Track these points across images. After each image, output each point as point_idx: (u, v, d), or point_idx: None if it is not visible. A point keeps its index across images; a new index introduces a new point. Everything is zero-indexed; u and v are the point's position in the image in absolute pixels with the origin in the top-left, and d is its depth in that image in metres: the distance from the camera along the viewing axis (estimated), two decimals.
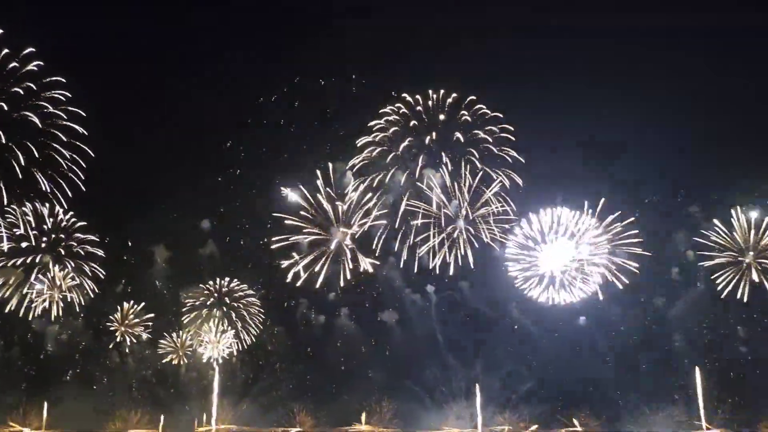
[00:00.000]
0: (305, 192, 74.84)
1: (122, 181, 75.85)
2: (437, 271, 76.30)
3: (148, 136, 79.20)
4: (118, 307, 75.87)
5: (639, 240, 73.94)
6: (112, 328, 75.84)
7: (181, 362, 77.06)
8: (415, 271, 76.98)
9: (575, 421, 73.32)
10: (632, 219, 73.91)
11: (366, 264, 76.23)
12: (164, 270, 77.69)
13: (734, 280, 74.42)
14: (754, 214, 74.66)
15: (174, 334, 77.12)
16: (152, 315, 76.75)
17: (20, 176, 66.59)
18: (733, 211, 74.95)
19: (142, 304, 76.43)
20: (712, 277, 74.88)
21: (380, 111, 77.25)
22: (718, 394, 71.74)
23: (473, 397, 73.52)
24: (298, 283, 74.69)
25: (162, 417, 73.46)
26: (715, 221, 75.55)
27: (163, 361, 77.01)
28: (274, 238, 74.23)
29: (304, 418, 73.19)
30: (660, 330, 77.46)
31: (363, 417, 73.97)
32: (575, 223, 75.05)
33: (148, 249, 77.19)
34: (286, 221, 74.48)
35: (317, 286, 75.19)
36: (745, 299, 73.71)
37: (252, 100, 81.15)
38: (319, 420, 73.83)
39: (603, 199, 73.88)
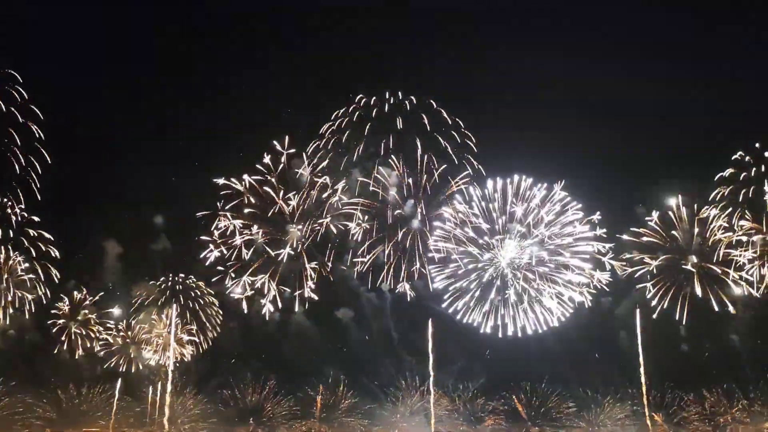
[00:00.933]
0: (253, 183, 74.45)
1: (73, 175, 74.64)
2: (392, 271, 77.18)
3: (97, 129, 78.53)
4: (66, 299, 74.21)
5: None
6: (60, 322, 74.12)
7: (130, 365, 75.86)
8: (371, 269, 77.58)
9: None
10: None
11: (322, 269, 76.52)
12: (116, 266, 76.19)
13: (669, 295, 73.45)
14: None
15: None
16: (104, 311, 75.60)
17: None
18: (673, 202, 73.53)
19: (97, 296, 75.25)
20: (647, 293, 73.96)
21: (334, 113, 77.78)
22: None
23: (427, 393, 74.57)
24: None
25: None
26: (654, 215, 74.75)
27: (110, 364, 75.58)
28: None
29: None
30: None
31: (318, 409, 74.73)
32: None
33: (99, 244, 75.58)
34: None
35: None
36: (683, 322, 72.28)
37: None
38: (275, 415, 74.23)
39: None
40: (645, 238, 75.19)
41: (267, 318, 76.33)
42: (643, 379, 72.60)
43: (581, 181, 76.91)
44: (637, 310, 74.34)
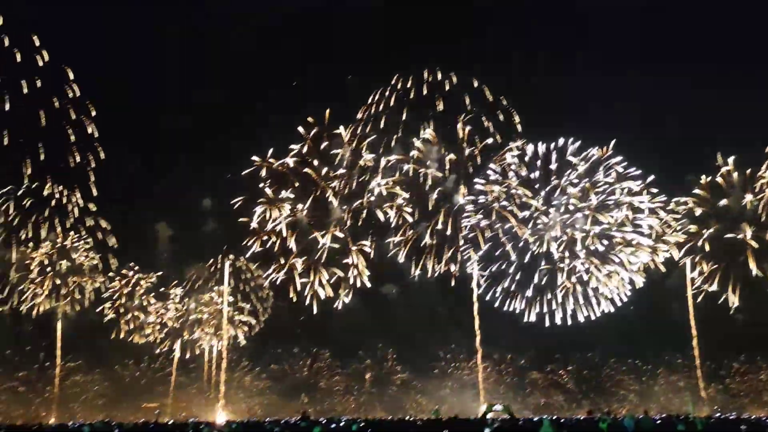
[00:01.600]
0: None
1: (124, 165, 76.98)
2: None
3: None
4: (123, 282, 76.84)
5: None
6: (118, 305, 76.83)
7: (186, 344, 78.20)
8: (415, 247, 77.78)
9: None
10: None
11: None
12: (169, 248, 78.47)
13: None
14: None
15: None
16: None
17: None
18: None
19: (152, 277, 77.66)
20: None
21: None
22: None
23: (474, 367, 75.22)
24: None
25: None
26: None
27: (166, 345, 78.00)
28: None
29: None
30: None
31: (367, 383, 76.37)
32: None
33: (152, 229, 77.90)
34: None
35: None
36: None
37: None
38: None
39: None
40: (693, 206, 72.37)
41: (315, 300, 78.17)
42: (696, 351, 71.36)
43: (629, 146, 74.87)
44: (689, 279, 72.33)
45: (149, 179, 78.41)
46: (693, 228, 72.08)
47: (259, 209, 73.65)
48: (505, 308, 73.41)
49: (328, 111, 74.99)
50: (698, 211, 72.42)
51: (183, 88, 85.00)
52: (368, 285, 75.14)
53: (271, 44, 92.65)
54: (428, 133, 76.56)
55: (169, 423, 47.04)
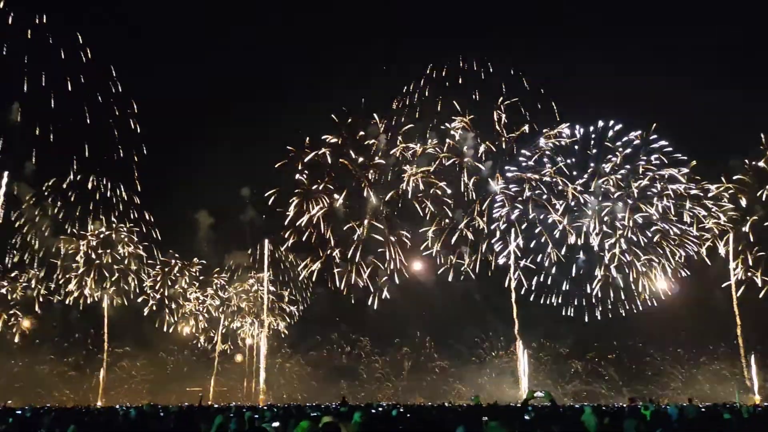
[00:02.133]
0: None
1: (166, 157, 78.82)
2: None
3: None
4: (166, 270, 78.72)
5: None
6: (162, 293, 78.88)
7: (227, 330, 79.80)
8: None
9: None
10: None
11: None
12: (209, 236, 79.99)
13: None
14: None
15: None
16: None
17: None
18: None
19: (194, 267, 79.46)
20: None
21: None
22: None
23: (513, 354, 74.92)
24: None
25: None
26: None
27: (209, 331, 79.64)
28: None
29: None
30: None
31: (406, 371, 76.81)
32: None
33: (193, 217, 79.52)
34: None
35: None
36: None
37: None
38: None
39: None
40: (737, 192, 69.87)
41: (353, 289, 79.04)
42: (740, 340, 69.65)
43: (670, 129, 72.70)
44: (731, 267, 70.55)
45: (187, 170, 79.81)
46: (735, 215, 70.13)
47: (295, 200, 74.84)
48: (542, 301, 73.58)
49: (362, 100, 75.59)
50: (742, 198, 70.26)
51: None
52: (406, 275, 75.69)
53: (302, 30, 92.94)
54: (463, 121, 75.99)
55: (213, 406, 48.23)
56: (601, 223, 73.17)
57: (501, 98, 74.60)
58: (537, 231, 73.70)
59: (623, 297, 74.40)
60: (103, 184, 74.10)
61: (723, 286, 70.15)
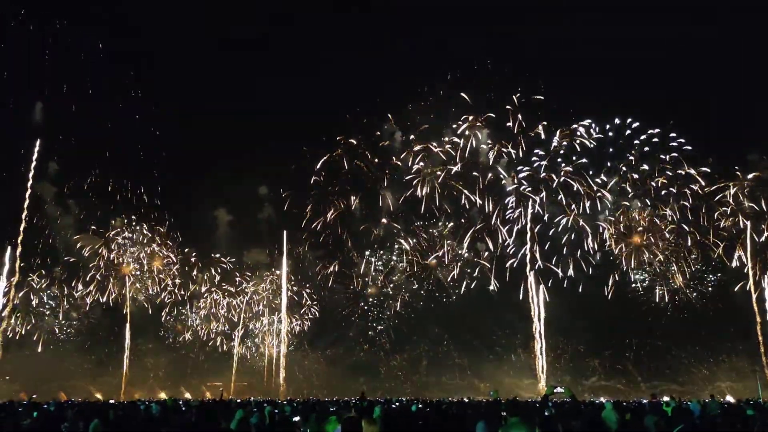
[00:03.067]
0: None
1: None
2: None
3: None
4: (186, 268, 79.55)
5: None
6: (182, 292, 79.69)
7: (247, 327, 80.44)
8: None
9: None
10: None
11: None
12: (228, 233, 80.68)
13: None
14: None
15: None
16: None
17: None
18: None
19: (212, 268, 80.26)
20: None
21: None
22: None
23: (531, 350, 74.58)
24: None
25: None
26: None
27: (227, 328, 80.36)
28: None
29: None
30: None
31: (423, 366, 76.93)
32: None
33: (212, 215, 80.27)
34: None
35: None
36: None
37: None
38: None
39: None
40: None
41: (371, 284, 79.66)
42: (759, 336, 68.70)
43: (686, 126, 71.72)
44: (749, 263, 69.69)
45: (204, 168, 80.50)
46: (750, 211, 69.34)
47: (312, 201, 75.67)
48: (559, 299, 73.44)
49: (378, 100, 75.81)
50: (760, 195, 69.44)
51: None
52: (421, 274, 76.13)
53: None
54: (478, 120, 75.75)
55: (233, 401, 48.76)
56: (618, 223, 72.68)
57: (517, 95, 74.08)
58: (552, 231, 73.77)
59: (642, 294, 74.21)
60: (124, 185, 75.26)
61: (740, 284, 69.51)
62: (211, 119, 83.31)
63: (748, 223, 68.89)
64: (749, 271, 69.44)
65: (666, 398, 35.39)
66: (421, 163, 76.43)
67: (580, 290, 73.52)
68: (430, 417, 18.70)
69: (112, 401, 50.22)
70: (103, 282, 75.61)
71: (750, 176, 69.33)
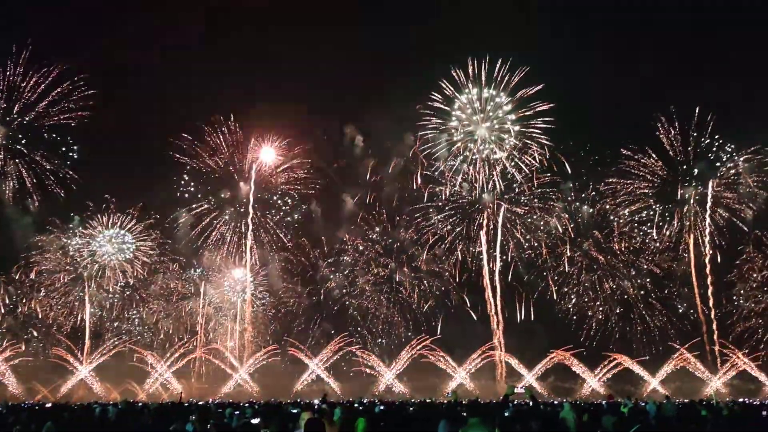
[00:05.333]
0: None
1: None
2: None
3: None
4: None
5: None
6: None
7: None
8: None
9: None
10: None
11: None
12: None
13: None
14: None
15: None
16: None
17: None
18: None
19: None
20: None
21: None
22: None
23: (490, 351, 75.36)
24: None
25: None
26: None
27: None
28: None
29: None
30: None
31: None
32: None
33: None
34: None
35: None
36: None
37: None
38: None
39: None
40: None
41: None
42: (706, 338, 71.65)
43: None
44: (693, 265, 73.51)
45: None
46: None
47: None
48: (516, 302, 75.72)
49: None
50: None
51: None
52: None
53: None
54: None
55: (193, 402, 47.93)
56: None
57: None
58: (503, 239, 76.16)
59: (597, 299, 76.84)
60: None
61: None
62: None
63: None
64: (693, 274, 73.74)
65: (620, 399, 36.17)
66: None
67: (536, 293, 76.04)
68: (392, 418, 18.67)
69: (66, 404, 48.89)
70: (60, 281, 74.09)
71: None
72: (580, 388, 74.17)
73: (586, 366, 74.18)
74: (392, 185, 78.84)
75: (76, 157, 74.01)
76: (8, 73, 69.84)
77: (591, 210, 77.20)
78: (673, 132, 72.98)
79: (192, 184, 77.60)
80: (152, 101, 78.80)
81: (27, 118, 71.58)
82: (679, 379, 72.96)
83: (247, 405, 35.51)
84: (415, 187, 76.40)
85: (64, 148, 73.65)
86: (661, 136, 73.27)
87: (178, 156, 75.89)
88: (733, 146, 72.48)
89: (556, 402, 50.73)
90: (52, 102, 71.48)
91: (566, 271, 77.07)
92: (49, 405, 45.72)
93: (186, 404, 38.40)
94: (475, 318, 76.92)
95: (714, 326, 72.16)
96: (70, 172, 73.29)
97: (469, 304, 77.49)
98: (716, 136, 72.72)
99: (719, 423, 19.25)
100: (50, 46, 74.32)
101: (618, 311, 77.57)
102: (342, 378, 76.93)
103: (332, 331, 79.14)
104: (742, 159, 71.94)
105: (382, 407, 31.18)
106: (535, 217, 76.86)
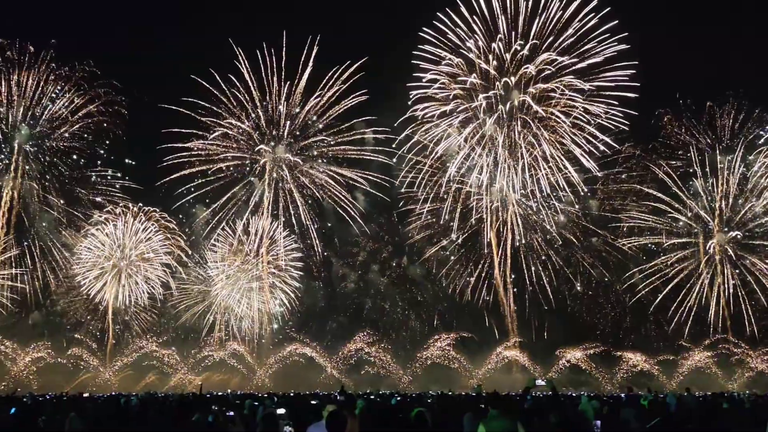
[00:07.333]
0: None
1: None
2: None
3: None
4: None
5: None
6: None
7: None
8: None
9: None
10: None
11: None
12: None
13: None
14: None
15: None
16: None
17: None
18: None
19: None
20: None
21: None
22: None
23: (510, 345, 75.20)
24: None
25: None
26: None
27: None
28: None
29: None
30: None
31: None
32: None
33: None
34: None
35: None
36: None
37: None
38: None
39: None
40: None
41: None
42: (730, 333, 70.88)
43: None
44: (703, 262, 71.79)
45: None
46: None
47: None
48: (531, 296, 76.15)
49: None
50: None
51: None
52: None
53: None
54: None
55: (212, 394, 48.48)
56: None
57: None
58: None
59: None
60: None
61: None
62: None
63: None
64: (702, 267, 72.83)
65: (641, 392, 35.92)
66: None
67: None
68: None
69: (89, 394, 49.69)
70: (84, 275, 75.26)
71: None
72: (597, 381, 73.76)
73: (602, 364, 73.89)
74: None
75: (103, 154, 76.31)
76: (32, 72, 71.56)
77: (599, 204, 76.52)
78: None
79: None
80: None
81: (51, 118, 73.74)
82: (697, 376, 72.30)
83: (266, 396, 35.88)
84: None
85: (89, 151, 76.45)
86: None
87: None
88: None
89: (574, 395, 50.56)
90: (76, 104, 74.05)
91: (578, 267, 76.62)
92: (73, 396, 46.45)
93: (207, 395, 38.91)
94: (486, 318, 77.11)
95: (728, 324, 71.43)
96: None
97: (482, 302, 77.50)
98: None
99: (741, 416, 19.09)
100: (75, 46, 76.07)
101: (629, 306, 77.00)
102: (352, 373, 77.15)
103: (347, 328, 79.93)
104: None
105: (398, 398, 31.38)
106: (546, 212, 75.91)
